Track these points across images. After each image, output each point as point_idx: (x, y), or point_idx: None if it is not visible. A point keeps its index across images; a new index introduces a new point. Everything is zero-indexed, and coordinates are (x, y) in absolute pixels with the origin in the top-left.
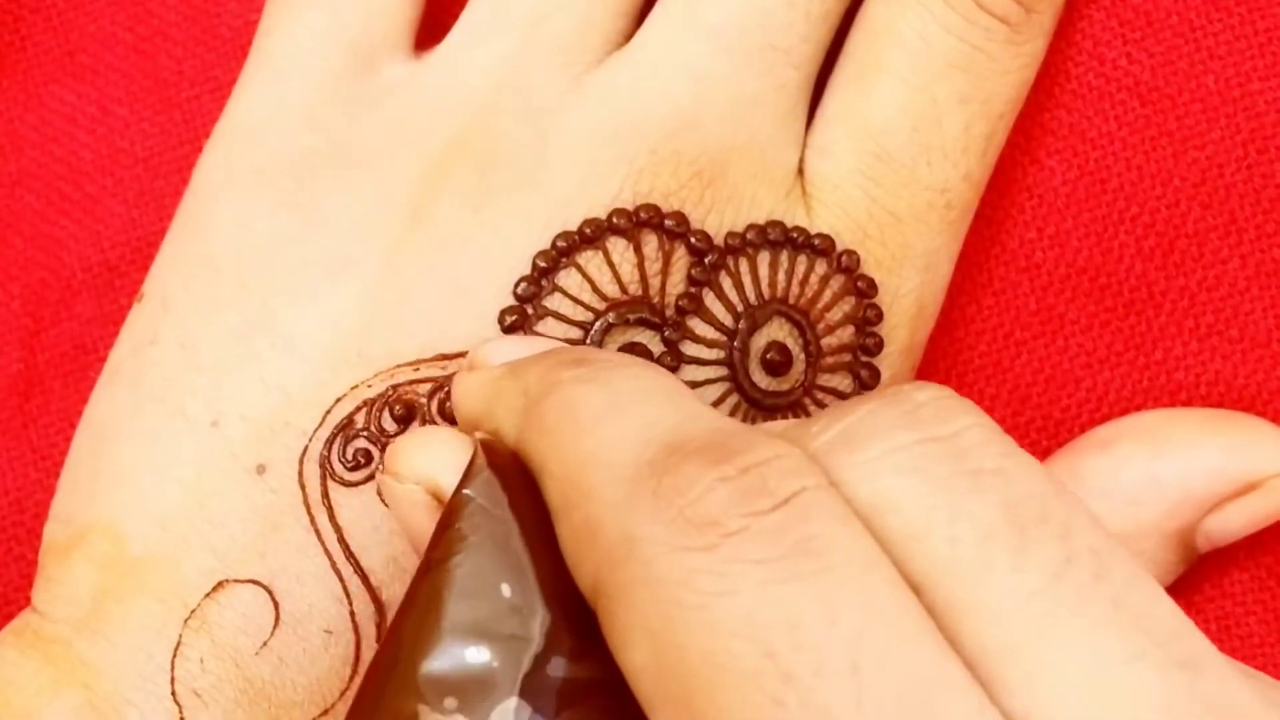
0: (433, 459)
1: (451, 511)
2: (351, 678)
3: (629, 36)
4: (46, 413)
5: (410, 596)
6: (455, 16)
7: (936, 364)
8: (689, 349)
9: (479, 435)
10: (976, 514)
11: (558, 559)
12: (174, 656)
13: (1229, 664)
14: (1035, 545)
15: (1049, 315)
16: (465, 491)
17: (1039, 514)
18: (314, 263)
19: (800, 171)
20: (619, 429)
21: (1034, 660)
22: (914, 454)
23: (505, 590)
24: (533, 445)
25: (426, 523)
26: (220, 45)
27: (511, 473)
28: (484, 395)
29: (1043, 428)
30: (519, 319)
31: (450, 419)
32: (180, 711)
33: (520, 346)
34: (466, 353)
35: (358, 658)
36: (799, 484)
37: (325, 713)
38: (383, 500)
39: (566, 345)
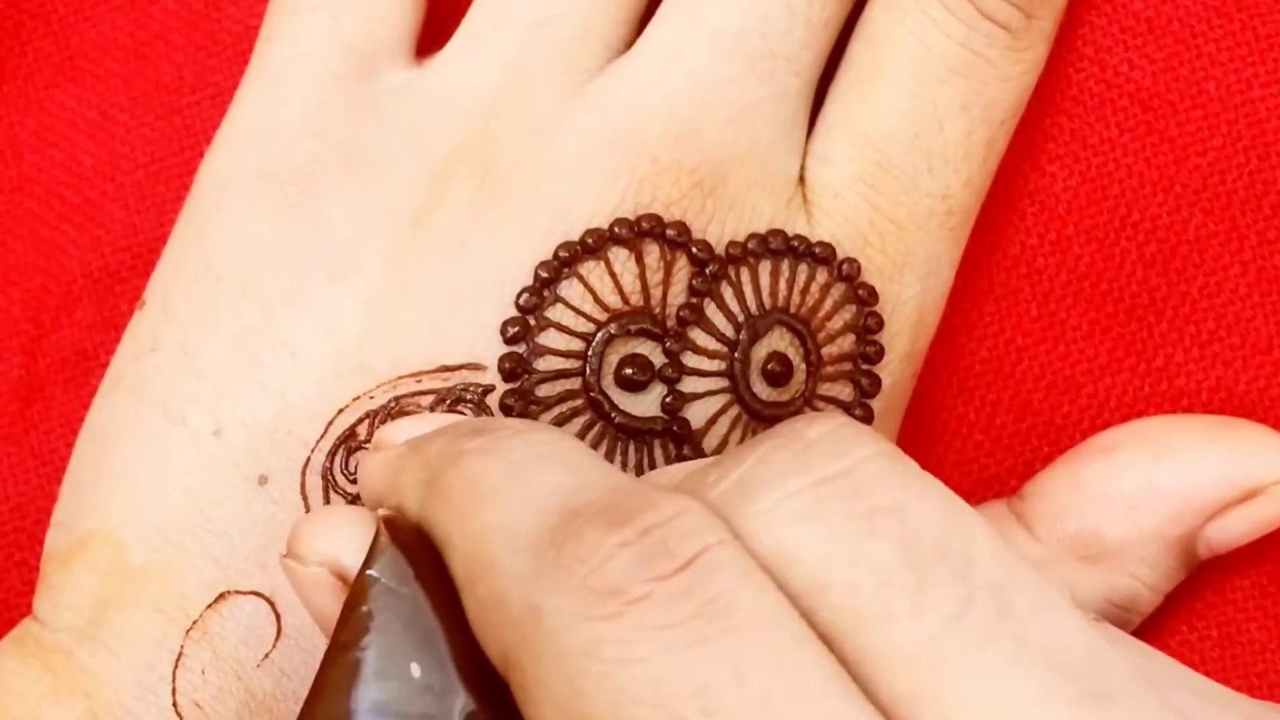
0: (334, 539)
1: (357, 593)
2: None
3: (630, 43)
4: (47, 419)
5: (319, 681)
6: (457, 23)
7: (938, 371)
8: (690, 360)
9: (381, 512)
10: (873, 559)
11: (469, 635)
12: (175, 667)
13: (1146, 685)
14: (933, 586)
15: (1050, 321)
16: (369, 572)
17: (936, 551)
18: (316, 269)
19: (801, 179)
20: (518, 498)
21: (942, 707)
22: (807, 499)
23: (415, 670)
24: (436, 519)
25: (332, 605)
26: (221, 51)
27: (416, 548)
28: (387, 473)
29: (1044, 434)
30: (521, 330)
31: None
32: None
33: (423, 424)
34: (469, 364)
35: None
36: (700, 543)
37: None
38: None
39: (466, 419)
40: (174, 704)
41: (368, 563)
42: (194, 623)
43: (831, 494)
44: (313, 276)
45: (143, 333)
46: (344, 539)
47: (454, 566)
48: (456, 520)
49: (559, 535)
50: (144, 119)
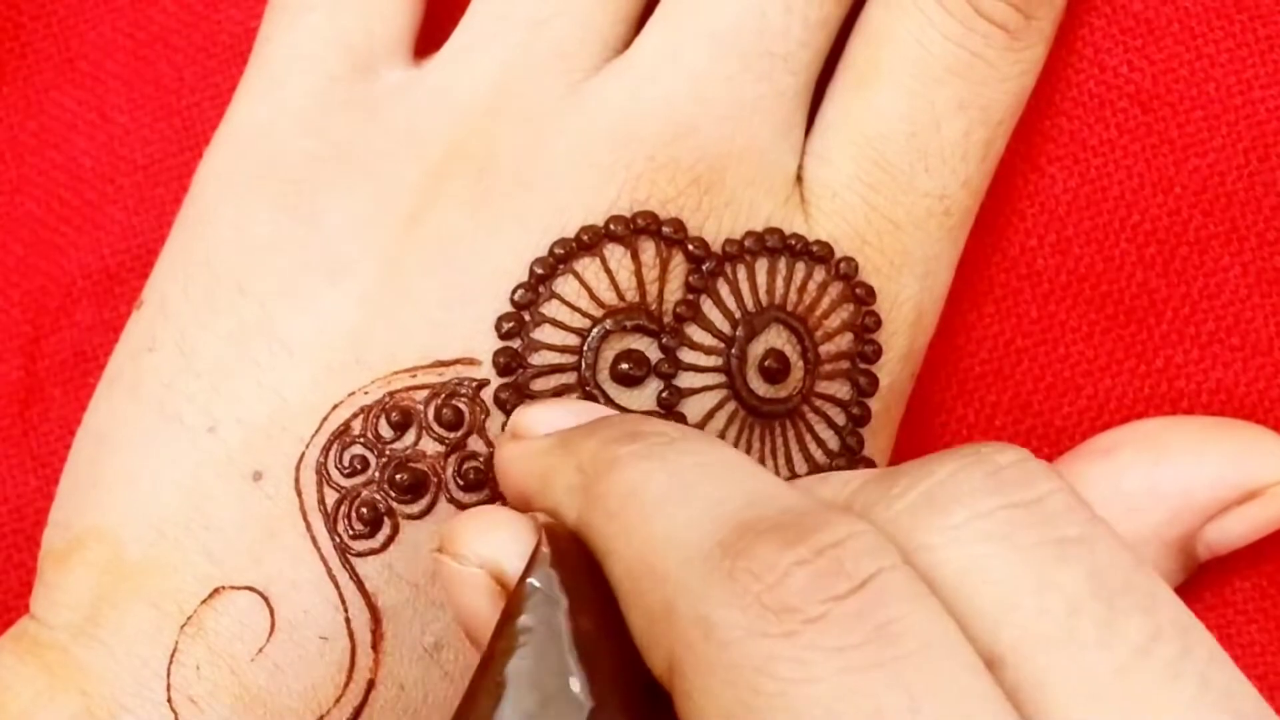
0: (495, 542)
1: (516, 601)
2: (346, 684)
3: (628, 43)
4: (46, 420)
5: (472, 688)
6: (455, 22)
7: (938, 372)
8: (686, 356)
9: (540, 518)
10: (1064, 585)
11: (626, 646)
12: (170, 663)
13: None
14: (1122, 618)
15: (1050, 323)
16: (530, 581)
17: (1124, 585)
18: (312, 267)
19: (799, 178)
20: (687, 510)
21: None
22: (1000, 520)
23: (574, 684)
24: (596, 528)
25: (488, 608)
26: (220, 52)
27: (574, 558)
28: (534, 469)
29: (1044, 435)
30: (516, 326)
31: (447, 426)
32: (175, 718)
33: (565, 414)
34: (463, 359)
35: (353, 664)
36: (875, 565)
37: (320, 719)
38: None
39: (615, 414)
40: (169, 699)
41: (528, 570)
42: (189, 618)
43: (1025, 519)
44: (309, 275)
45: (140, 332)
46: (505, 543)
47: (616, 576)
48: (620, 530)
49: (732, 549)
50: (144, 120)
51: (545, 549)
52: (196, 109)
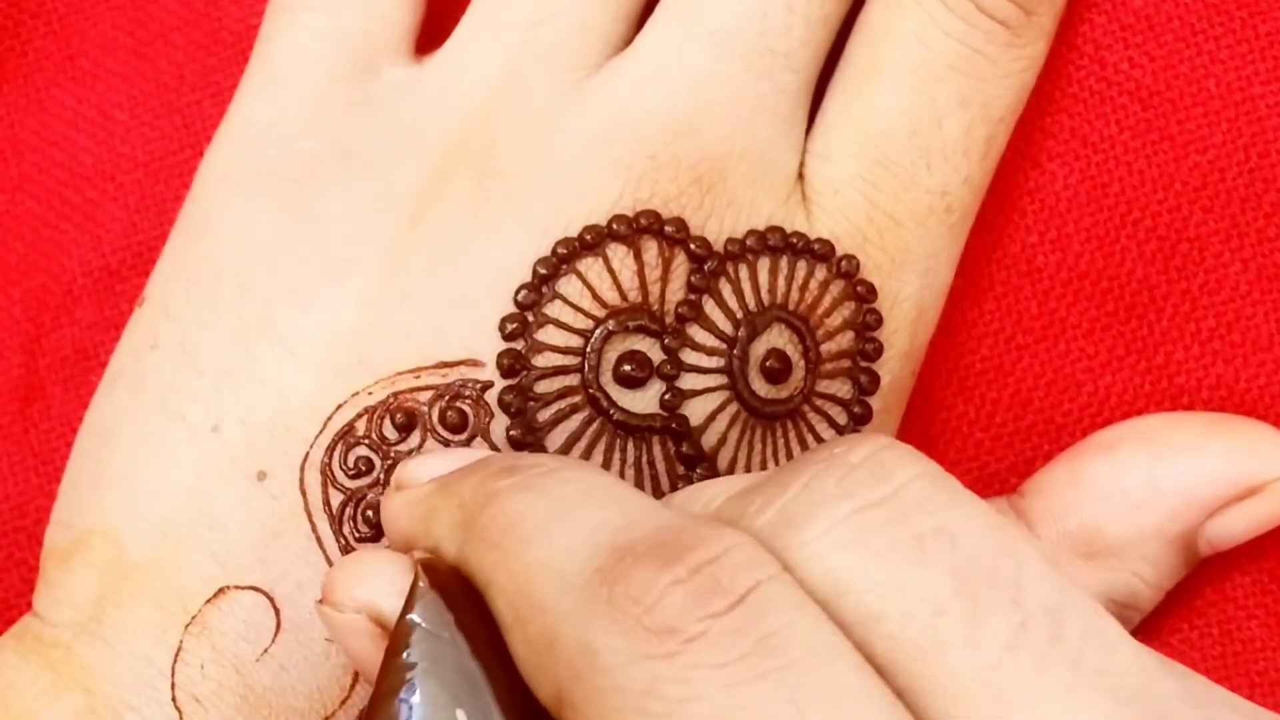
0: (371, 584)
1: (397, 639)
2: (353, 686)
3: (629, 41)
4: (47, 418)
5: None
6: (457, 20)
7: (938, 369)
8: (689, 357)
9: (417, 555)
10: (925, 586)
11: (512, 675)
12: (175, 662)
13: (1195, 707)
14: (987, 613)
15: (1051, 319)
16: (409, 617)
17: (988, 575)
18: (314, 266)
19: (800, 176)
20: (564, 537)
21: None
22: (854, 526)
23: (460, 716)
24: (476, 560)
25: (373, 651)
26: (221, 50)
27: (455, 591)
28: (417, 513)
29: (1044, 432)
30: (519, 326)
31: (452, 428)
32: (180, 717)
33: (447, 461)
34: (467, 360)
35: None
36: (752, 578)
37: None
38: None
39: (494, 454)
40: (173, 699)
41: (407, 607)
42: (193, 618)
43: (879, 519)
44: (311, 274)
45: (142, 331)
46: (381, 584)
47: (498, 607)
48: (500, 560)
49: (610, 574)
50: (144, 118)
51: (422, 583)
52: (197, 107)
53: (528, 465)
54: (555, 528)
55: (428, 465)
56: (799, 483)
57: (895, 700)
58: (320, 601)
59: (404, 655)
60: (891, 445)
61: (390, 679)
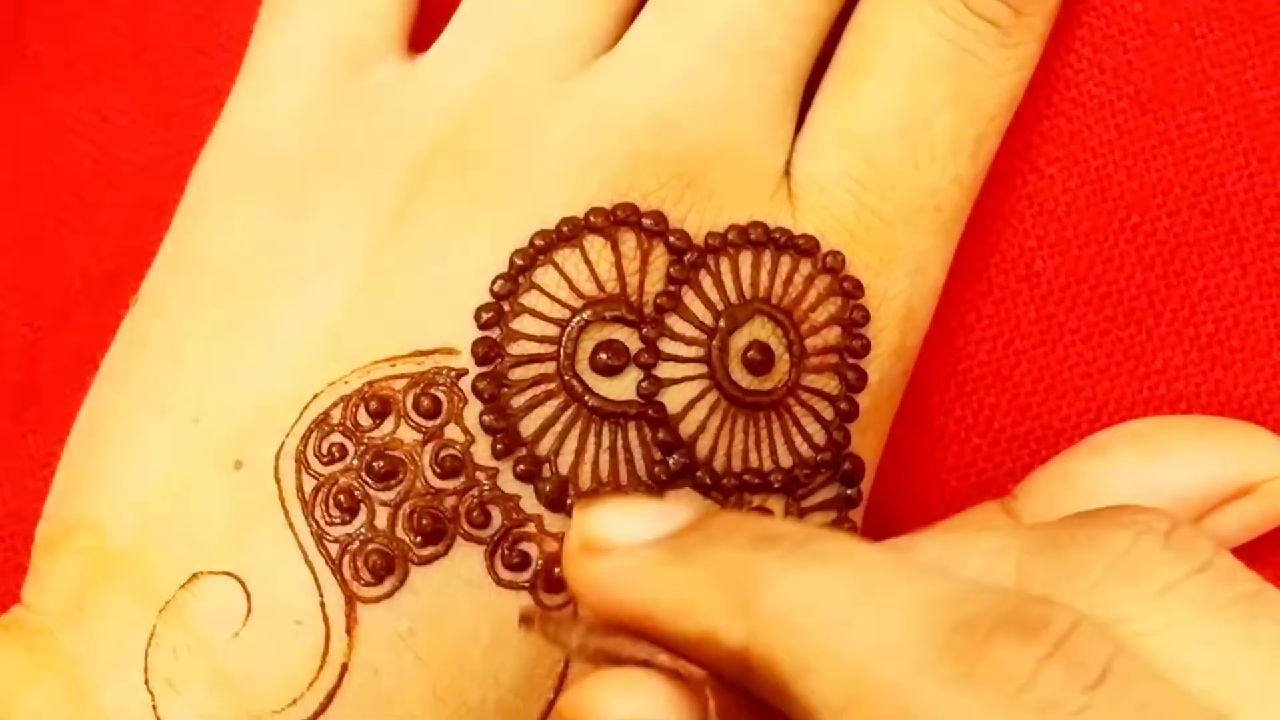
0: (641, 701)
1: None
2: (320, 668)
3: (618, 40)
4: (45, 422)
5: None
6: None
7: (936, 373)
8: (667, 346)
9: (695, 672)
10: (1266, 638)
11: None
12: (148, 646)
13: None
14: None
15: (1049, 324)
16: None
17: None
18: (298, 262)
19: (788, 174)
20: (886, 615)
21: None
22: (1194, 584)
23: None
24: (782, 649)
25: None
26: (219, 54)
27: (742, 704)
28: (653, 589)
29: (1042, 437)
30: (495, 316)
31: (425, 414)
32: (152, 699)
33: (641, 516)
34: (442, 349)
35: (327, 648)
36: (1108, 650)
37: (294, 703)
38: None
39: (719, 513)
40: (145, 681)
41: None
42: (166, 603)
43: (1211, 581)
44: (296, 270)
45: (133, 329)
46: (652, 707)
47: (820, 695)
48: (820, 648)
49: (967, 651)
50: (142, 122)
51: (712, 703)
52: (195, 111)
53: (782, 534)
54: (870, 606)
55: (620, 521)
56: (1123, 541)
57: None
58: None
59: None
60: (1185, 521)
61: None
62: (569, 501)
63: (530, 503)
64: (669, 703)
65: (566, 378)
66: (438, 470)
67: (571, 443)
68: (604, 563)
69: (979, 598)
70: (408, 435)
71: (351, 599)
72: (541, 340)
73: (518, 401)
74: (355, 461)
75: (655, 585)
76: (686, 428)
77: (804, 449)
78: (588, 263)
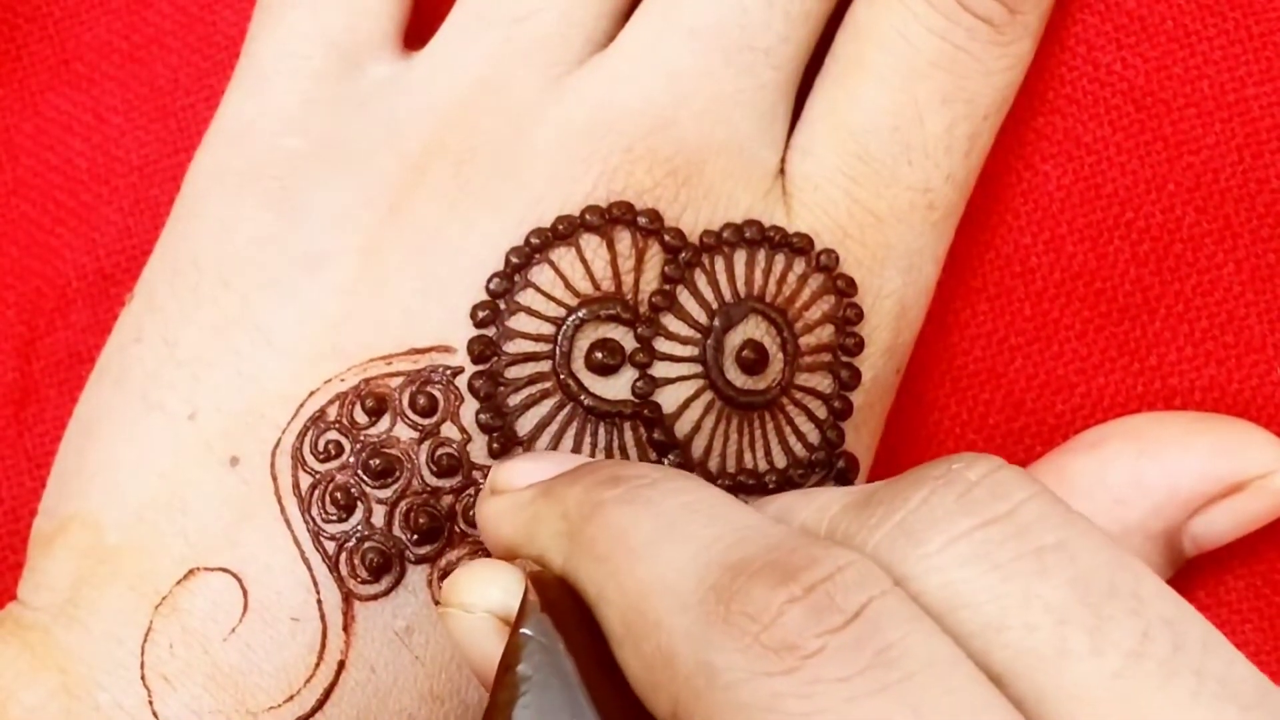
0: (492, 590)
1: (511, 651)
2: (317, 665)
3: (613, 38)
4: (41, 421)
5: None
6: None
7: (931, 370)
8: (662, 345)
9: (526, 566)
10: (1048, 597)
11: (621, 688)
12: (144, 642)
13: None
14: (1110, 623)
15: (1044, 321)
16: (523, 630)
17: (1108, 587)
18: (293, 259)
19: (782, 172)
20: (675, 552)
21: None
22: (976, 541)
23: None
24: (585, 572)
25: (494, 653)
26: (215, 53)
27: (564, 605)
28: (520, 520)
29: (1037, 433)
30: (491, 314)
31: (421, 412)
32: (149, 695)
33: (546, 465)
34: (438, 347)
35: (324, 645)
36: (865, 594)
37: (290, 699)
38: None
39: (597, 460)
40: (142, 677)
41: (519, 620)
42: (163, 599)
43: (1000, 535)
44: (291, 267)
45: (128, 326)
46: (498, 590)
47: (609, 621)
48: (610, 575)
49: (725, 593)
50: (139, 122)
51: (533, 597)
52: (191, 110)
53: (631, 475)
54: (665, 543)
55: (524, 469)
56: (918, 496)
57: (1013, 709)
58: (442, 603)
59: (518, 667)
60: (1006, 465)
61: (506, 691)
62: None
63: None
64: (514, 590)
65: (562, 376)
66: (434, 469)
67: (567, 442)
68: (495, 501)
69: (760, 542)
70: (404, 433)
71: (349, 597)
72: (537, 339)
73: (514, 400)
74: (352, 459)
75: (520, 517)
76: (681, 428)
77: (798, 448)
78: (583, 261)
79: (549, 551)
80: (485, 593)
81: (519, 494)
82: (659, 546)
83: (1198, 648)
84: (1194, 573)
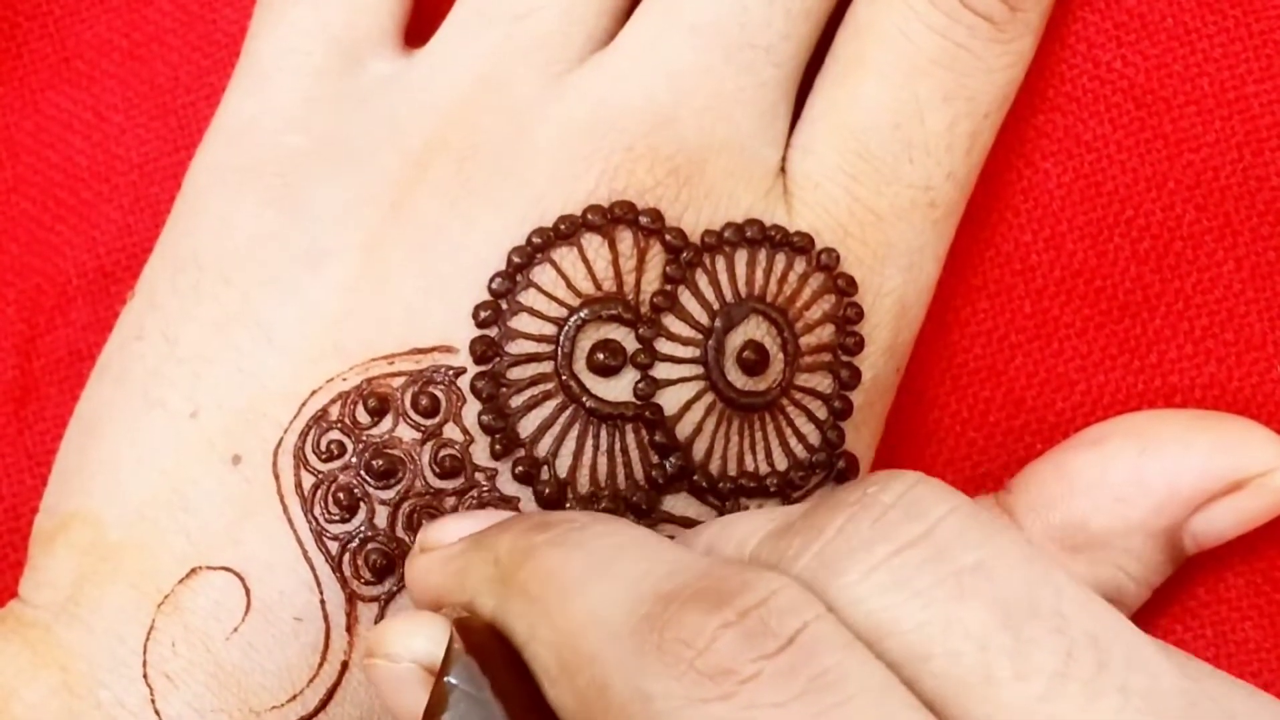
0: (418, 641)
1: (436, 701)
2: (320, 665)
3: (614, 36)
4: (42, 419)
5: None
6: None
7: (931, 368)
8: (663, 346)
9: (451, 614)
10: (968, 622)
11: None
12: (147, 640)
13: (1251, 711)
14: (1033, 645)
15: (1044, 318)
16: (447, 679)
17: (1030, 607)
18: (295, 257)
19: (783, 170)
20: (607, 587)
21: None
22: (894, 567)
23: None
24: (516, 615)
25: (419, 703)
26: (216, 51)
27: (491, 650)
28: (449, 570)
29: (1037, 431)
30: (493, 314)
31: (424, 413)
32: (151, 694)
33: (473, 522)
34: (441, 347)
35: (327, 645)
36: (799, 619)
37: (294, 698)
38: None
39: (523, 513)
40: (144, 676)
41: (444, 669)
42: (165, 597)
43: (916, 559)
44: (292, 265)
45: (130, 323)
46: (424, 640)
47: (541, 660)
48: (542, 613)
49: (658, 620)
50: (139, 120)
51: (458, 644)
52: (191, 108)
53: (560, 521)
54: (597, 579)
55: (454, 526)
56: (834, 526)
57: None
58: (368, 655)
59: (443, 717)
60: (922, 481)
61: None
62: (567, 505)
63: (529, 504)
64: (439, 639)
65: (564, 378)
66: (437, 470)
67: (570, 444)
68: (424, 559)
69: (690, 572)
70: (406, 434)
71: (352, 597)
72: (539, 339)
73: (516, 401)
74: (354, 459)
75: (448, 568)
76: (683, 430)
77: (799, 450)
78: (585, 261)
79: (479, 596)
80: (409, 643)
81: (449, 548)
82: (591, 583)
83: (1122, 663)
84: (1194, 570)
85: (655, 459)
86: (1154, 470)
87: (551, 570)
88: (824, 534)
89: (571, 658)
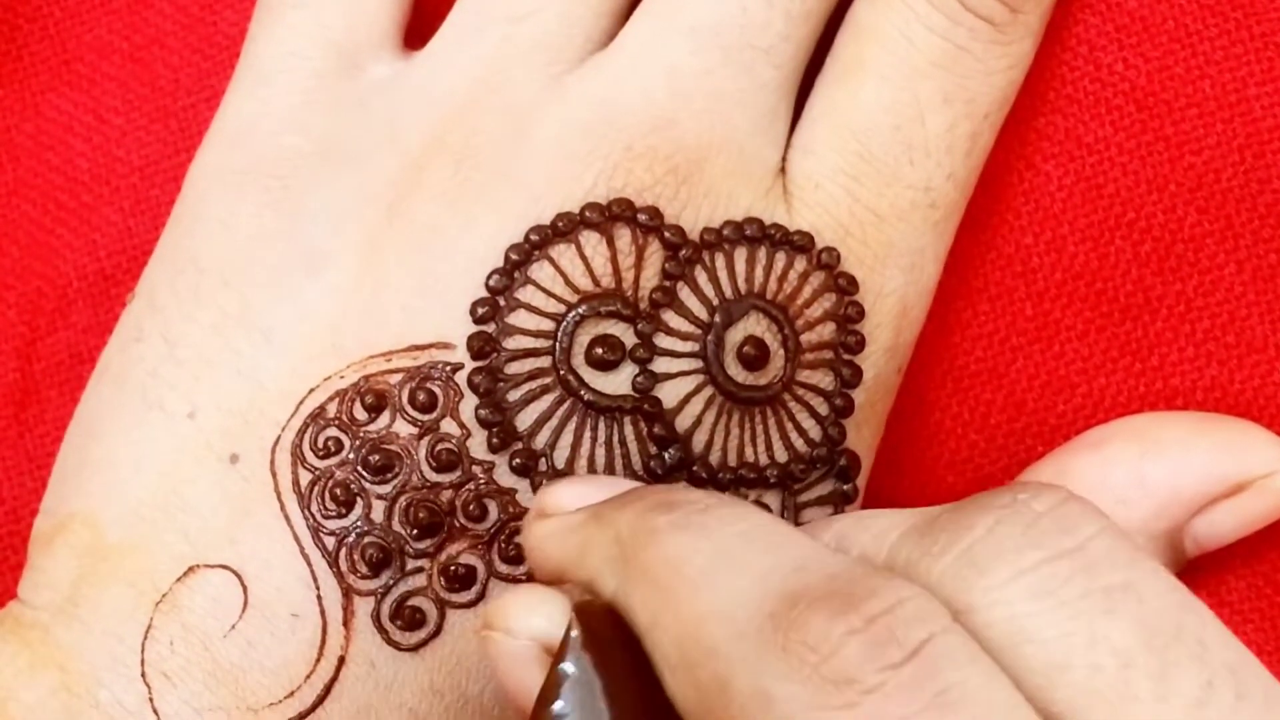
0: (536, 619)
1: (550, 687)
2: (317, 661)
3: (613, 37)
4: (42, 421)
5: None
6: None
7: (933, 370)
8: (662, 341)
9: (572, 596)
10: (1114, 638)
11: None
12: (145, 639)
13: None
14: (1175, 669)
15: (1045, 321)
16: (562, 666)
17: (1175, 632)
18: (293, 259)
19: (783, 170)
20: (733, 580)
21: None
22: (1043, 575)
23: None
24: (639, 599)
25: (534, 681)
26: (216, 54)
27: (608, 638)
28: (569, 544)
29: (1039, 434)
30: (490, 311)
31: (421, 408)
32: (149, 692)
33: (593, 489)
34: (438, 343)
35: (324, 641)
36: (926, 630)
37: (291, 695)
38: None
39: (647, 486)
40: (142, 674)
41: (559, 654)
42: (163, 596)
43: (1067, 571)
44: (291, 266)
45: (129, 325)
46: (547, 619)
47: (662, 649)
48: (665, 604)
49: (784, 621)
50: (139, 122)
51: (575, 632)
52: (192, 111)
53: (684, 501)
54: (722, 571)
55: (573, 492)
56: (983, 525)
57: None
58: (486, 627)
59: (557, 704)
60: (1074, 498)
61: None
62: None
63: (527, 496)
64: (559, 620)
65: (562, 372)
66: (434, 464)
67: (567, 437)
68: (543, 524)
69: (819, 571)
70: (404, 429)
71: (349, 592)
72: (537, 335)
73: (514, 396)
74: (351, 455)
75: (570, 541)
76: (682, 422)
77: (799, 444)
78: (583, 258)
79: (600, 575)
80: (529, 620)
81: (568, 517)
82: (716, 575)
83: (1260, 699)
84: (1196, 573)
85: (654, 450)
86: (1155, 473)
87: (676, 557)
88: (973, 532)
89: (693, 650)
